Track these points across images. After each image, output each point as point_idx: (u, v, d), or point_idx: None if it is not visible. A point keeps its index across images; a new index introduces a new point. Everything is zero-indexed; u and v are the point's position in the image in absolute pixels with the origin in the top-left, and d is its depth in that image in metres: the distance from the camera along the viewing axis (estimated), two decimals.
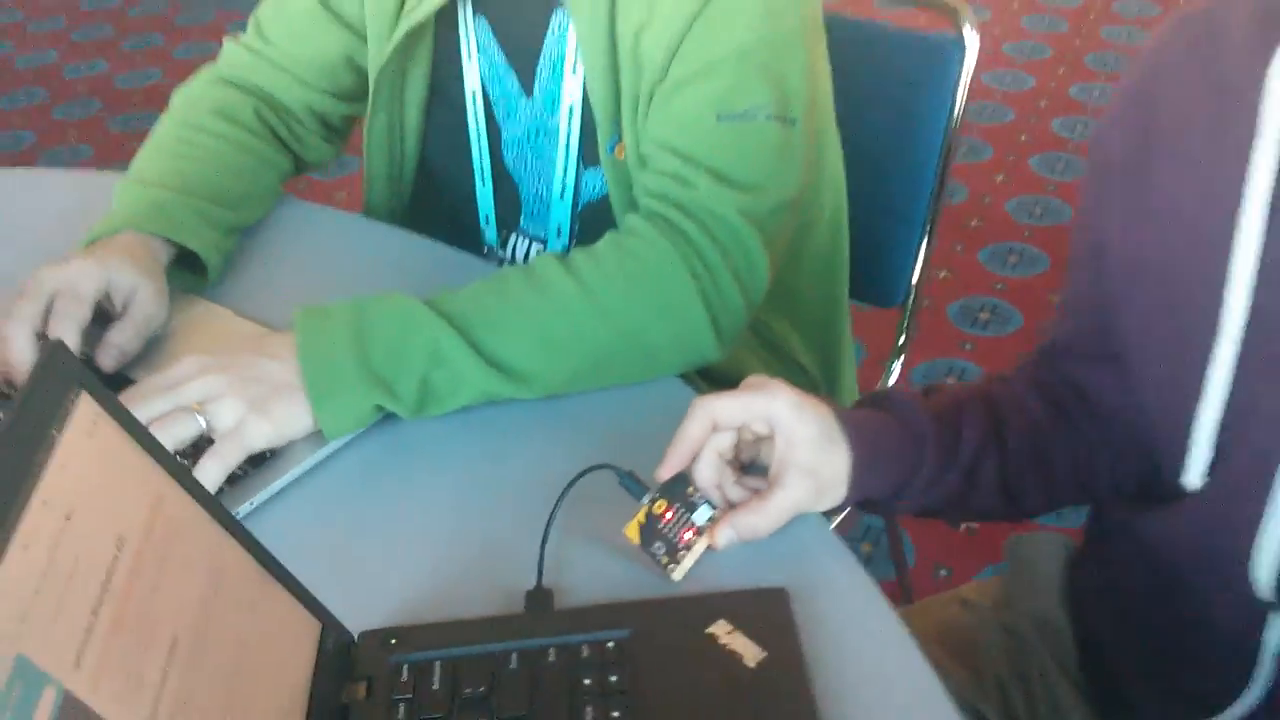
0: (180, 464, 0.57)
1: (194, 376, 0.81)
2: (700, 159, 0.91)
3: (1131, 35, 3.52)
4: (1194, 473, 0.68)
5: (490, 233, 1.18)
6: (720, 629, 0.65)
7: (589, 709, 0.61)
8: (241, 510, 0.77)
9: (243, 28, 1.17)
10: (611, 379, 0.87)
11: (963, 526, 1.86)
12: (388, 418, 0.84)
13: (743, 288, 0.90)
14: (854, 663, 0.65)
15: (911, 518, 1.81)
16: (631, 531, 0.72)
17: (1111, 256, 0.72)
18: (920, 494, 0.78)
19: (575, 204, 1.11)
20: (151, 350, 0.93)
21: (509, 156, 1.13)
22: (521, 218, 1.16)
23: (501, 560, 0.72)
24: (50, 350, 0.50)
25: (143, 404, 0.79)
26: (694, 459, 0.74)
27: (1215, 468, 0.67)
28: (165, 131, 1.09)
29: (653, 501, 0.72)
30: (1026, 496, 0.82)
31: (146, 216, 0.99)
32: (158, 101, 3.67)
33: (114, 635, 0.49)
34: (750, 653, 0.63)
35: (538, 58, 1.05)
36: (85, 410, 0.51)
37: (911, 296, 1.40)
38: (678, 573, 0.71)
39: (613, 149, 1.01)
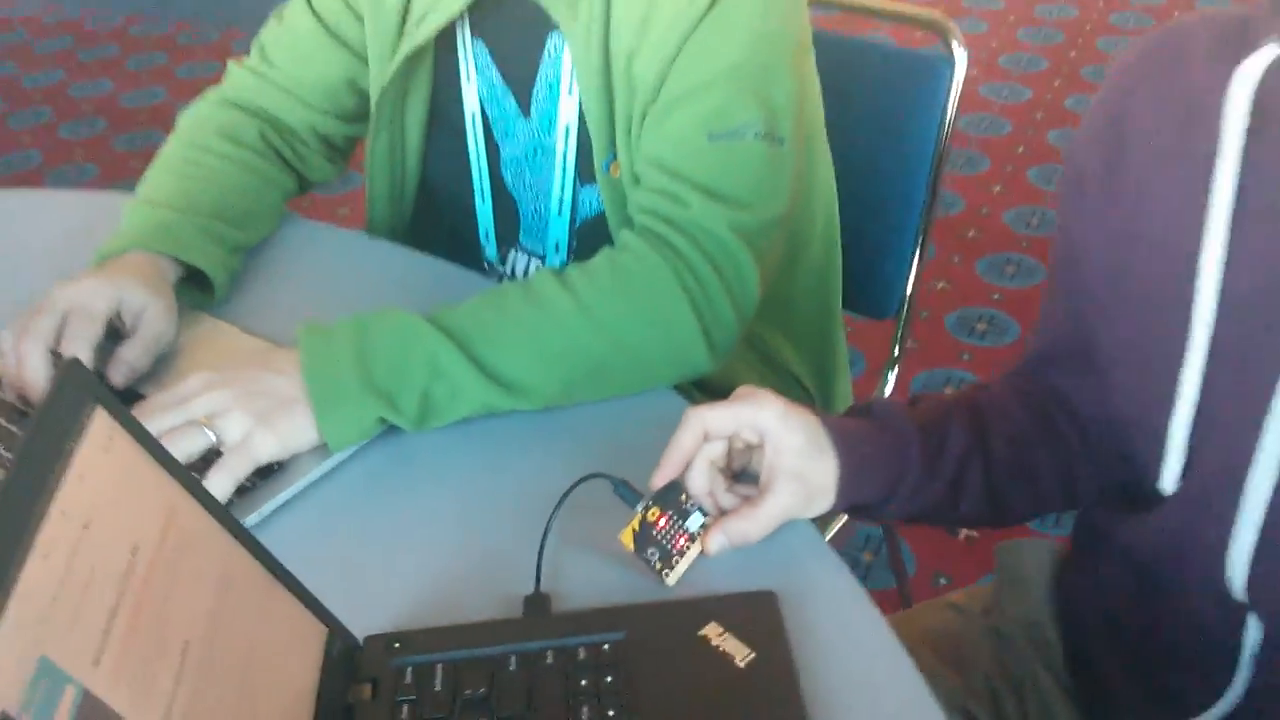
0: (191, 476, 0.59)
1: (202, 392, 0.83)
2: (692, 177, 0.94)
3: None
4: (1169, 478, 0.70)
5: (490, 249, 1.20)
6: (712, 631, 0.67)
7: (585, 709, 0.63)
8: (250, 520, 0.79)
9: (247, 47, 1.20)
10: (607, 390, 0.90)
11: (962, 535, 1.88)
12: (390, 430, 0.87)
13: (734, 301, 0.92)
14: (841, 664, 0.67)
15: (910, 527, 1.85)
16: (626, 538, 0.74)
17: (1085, 268, 0.75)
18: (907, 500, 0.80)
19: (573, 220, 1.13)
20: (161, 366, 0.95)
21: (508, 175, 1.16)
22: (520, 234, 1.19)
23: (501, 566, 0.75)
24: (67, 367, 0.53)
25: (154, 418, 0.81)
26: (687, 468, 0.76)
27: (1189, 473, 0.69)
28: (172, 153, 1.12)
29: (647, 509, 0.75)
30: (1012, 503, 0.84)
31: (155, 236, 1.02)
32: (162, 120, 3.68)
33: (130, 638, 0.51)
34: (741, 654, 0.66)
35: (534, 79, 1.08)
36: (101, 424, 0.54)
37: (905, 308, 1.42)
38: (671, 578, 0.73)
39: (608, 167, 1.04)
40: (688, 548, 0.74)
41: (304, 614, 0.65)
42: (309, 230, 1.18)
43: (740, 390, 0.78)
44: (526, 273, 1.18)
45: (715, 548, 0.74)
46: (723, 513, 0.76)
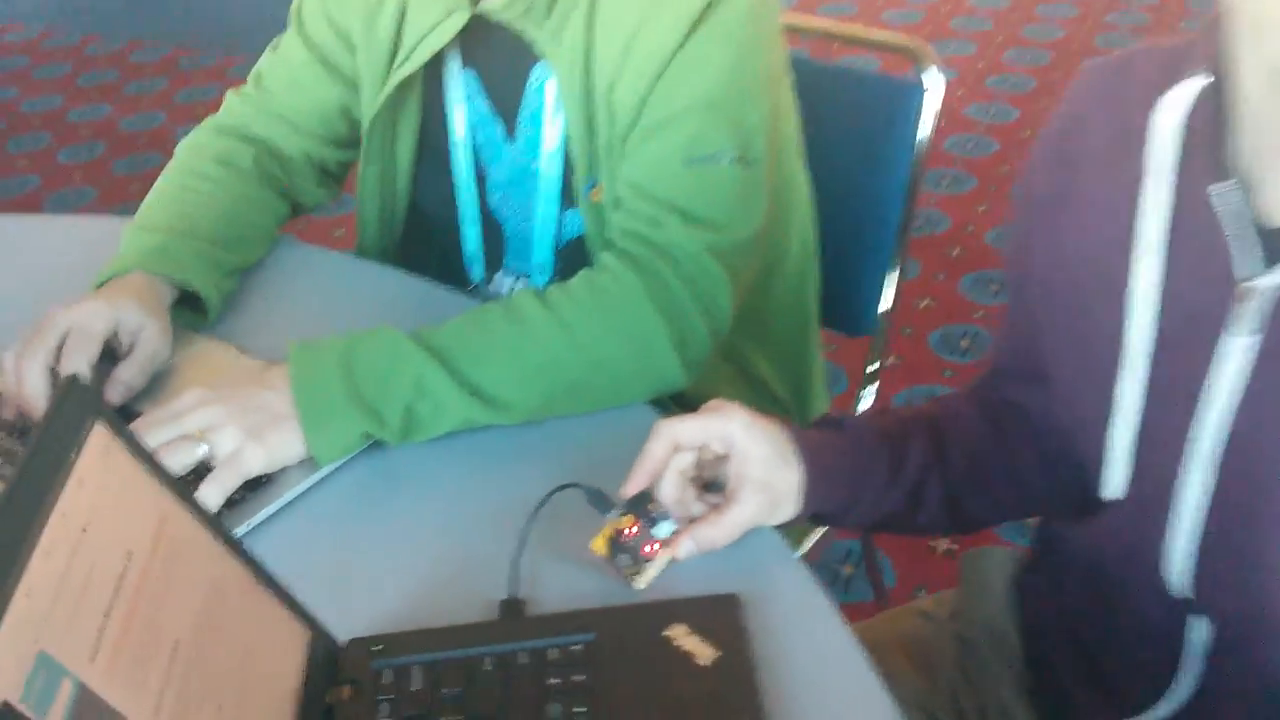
0: (183, 486, 0.63)
1: (196, 407, 0.87)
2: (669, 200, 0.98)
3: None
4: (1111, 485, 0.74)
5: (477, 270, 1.24)
6: (677, 632, 0.71)
7: (556, 705, 0.66)
8: (240, 530, 0.83)
9: (244, 72, 1.24)
10: (585, 405, 0.94)
11: (942, 548, 1.91)
12: (375, 444, 0.90)
13: (708, 319, 0.96)
14: (800, 663, 0.71)
15: (889, 540, 1.88)
16: (599, 545, 0.78)
17: (1033, 287, 0.79)
18: (869, 509, 0.84)
19: (557, 243, 1.17)
20: (156, 384, 0.99)
21: (494, 198, 1.20)
22: (506, 256, 1.23)
23: (478, 573, 0.78)
24: (68, 383, 0.57)
25: (150, 432, 0.85)
26: (657, 477, 0.80)
27: (1130, 480, 0.73)
28: (170, 179, 1.16)
29: (619, 517, 0.78)
30: (970, 511, 0.88)
31: (152, 259, 1.06)
32: (161, 144, 3.72)
33: (123, 637, 0.55)
34: (704, 653, 0.69)
35: (520, 107, 1.12)
36: (99, 437, 0.58)
37: (882, 326, 1.45)
38: (641, 582, 0.77)
39: (590, 191, 1.08)
40: (657, 554, 0.77)
41: (288, 617, 0.69)
42: (302, 252, 1.22)
43: (709, 403, 0.82)
44: (512, 293, 1.22)
45: (684, 553, 0.77)
46: (691, 520, 0.79)
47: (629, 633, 0.71)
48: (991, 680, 0.93)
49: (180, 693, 0.58)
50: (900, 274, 1.43)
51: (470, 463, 0.90)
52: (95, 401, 0.58)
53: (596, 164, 1.06)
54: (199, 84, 3.83)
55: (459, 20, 1.06)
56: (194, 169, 1.16)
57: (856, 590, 1.86)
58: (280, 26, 1.22)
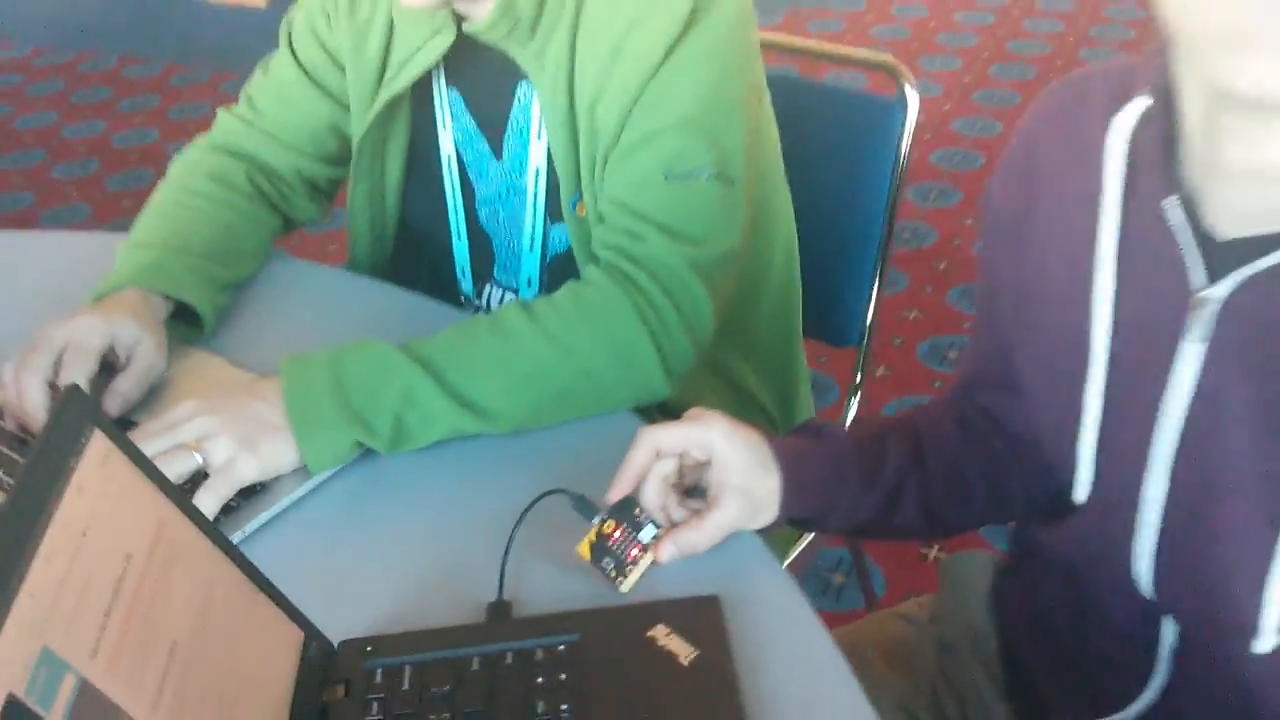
0: (179, 492, 0.65)
1: (191, 418, 0.89)
2: (650, 215, 1.01)
3: None
4: (1080, 489, 0.77)
5: (466, 283, 1.27)
6: (659, 632, 0.73)
7: (541, 704, 0.69)
8: (236, 537, 0.85)
9: (236, 88, 1.27)
10: (570, 414, 0.96)
11: (932, 555, 1.94)
12: (367, 453, 0.93)
13: (689, 330, 0.99)
14: (778, 662, 0.73)
15: (881, 548, 1.90)
16: (583, 549, 0.80)
17: (1000, 299, 0.82)
18: (847, 513, 0.86)
19: (543, 256, 1.20)
20: (152, 397, 1.01)
21: (482, 213, 1.22)
22: (495, 269, 1.25)
23: (467, 576, 0.81)
24: (68, 393, 0.59)
25: (146, 442, 0.87)
26: (641, 483, 0.82)
27: (1097, 483, 0.76)
28: (163, 196, 1.19)
29: (602, 522, 0.81)
30: (946, 516, 0.90)
31: (147, 275, 1.08)
32: (154, 160, 3.74)
33: (123, 636, 0.57)
34: (684, 652, 0.72)
35: (505, 125, 1.15)
36: (98, 445, 0.60)
37: (867, 337, 1.48)
38: (625, 585, 0.79)
39: (575, 206, 1.11)
40: (640, 557, 0.80)
41: (283, 620, 0.71)
42: (294, 267, 1.24)
43: (691, 411, 0.85)
44: (501, 305, 1.25)
45: (666, 557, 0.80)
46: (674, 525, 0.82)
47: (612, 633, 0.73)
48: (971, 681, 0.95)
49: (177, 690, 0.60)
50: (888, 286, 1.46)
51: (458, 470, 0.92)
52: (94, 411, 0.60)
53: (580, 180, 1.09)
54: (191, 100, 3.86)
55: (445, 41, 1.09)
56: (187, 186, 1.18)
57: (848, 598, 1.88)
58: (271, 43, 1.24)
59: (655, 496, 0.82)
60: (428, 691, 0.70)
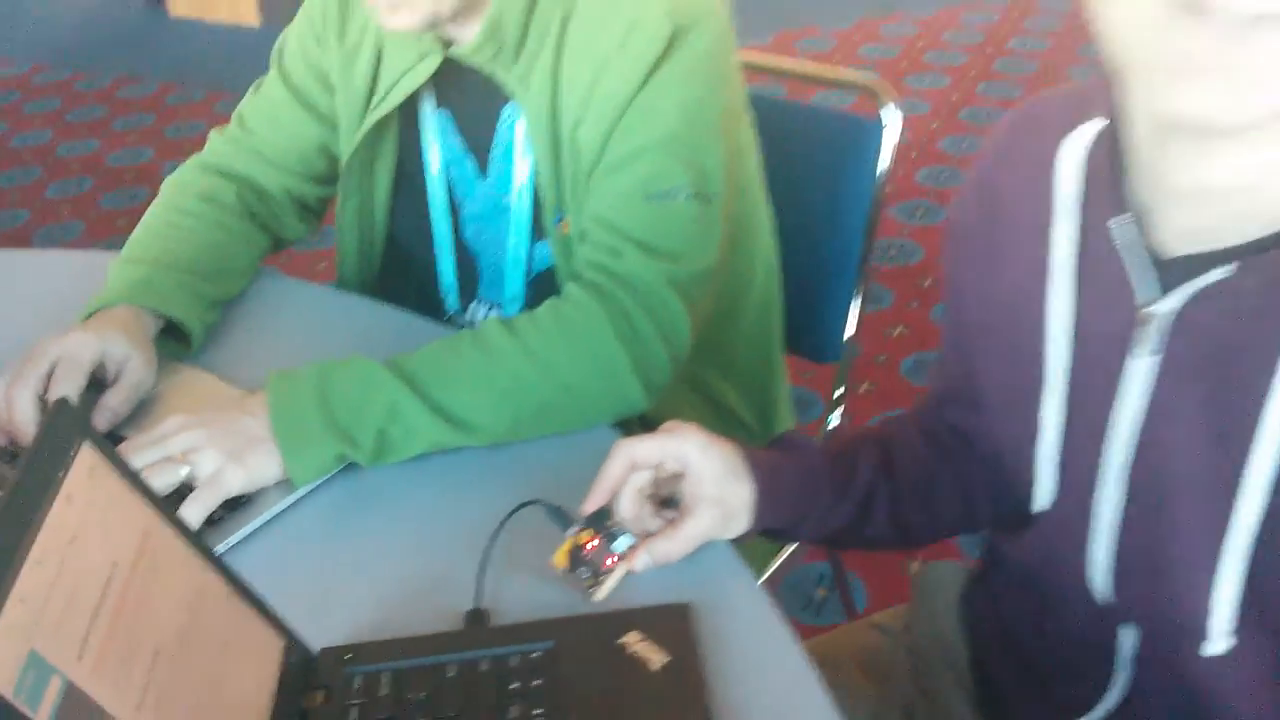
0: (164, 502, 0.67)
1: (179, 431, 0.92)
2: (630, 233, 1.03)
3: None
4: (1040, 499, 0.79)
5: (452, 300, 1.29)
6: (632, 638, 0.75)
7: (515, 708, 0.71)
8: (221, 548, 0.87)
9: (230, 108, 1.29)
10: (550, 428, 0.98)
11: (913, 569, 1.96)
12: (350, 466, 0.95)
13: (667, 344, 1.01)
14: (747, 668, 0.75)
15: (862, 561, 1.92)
16: (560, 558, 0.82)
17: (964, 315, 0.84)
18: (818, 523, 0.89)
19: (528, 274, 1.22)
20: (141, 412, 1.04)
21: (469, 231, 1.25)
22: (480, 286, 1.28)
23: (446, 586, 0.83)
24: (59, 406, 0.61)
25: (134, 454, 0.90)
26: (616, 495, 0.84)
27: (1056, 493, 0.78)
28: (154, 215, 1.21)
29: (579, 532, 0.83)
30: (915, 526, 0.93)
31: (137, 292, 1.10)
32: (149, 179, 3.76)
33: (108, 640, 0.59)
34: (656, 658, 0.74)
35: (491, 144, 1.17)
36: (87, 456, 0.62)
37: (847, 352, 1.50)
38: (600, 593, 0.81)
39: (558, 225, 1.13)
40: (615, 567, 0.82)
41: (265, 628, 0.73)
42: (283, 284, 1.26)
43: (667, 424, 0.87)
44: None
45: (640, 566, 0.82)
46: (649, 535, 0.84)
47: (586, 640, 0.75)
48: (941, 689, 0.97)
49: (161, 694, 0.62)
50: (873, 303, 1.48)
51: (438, 482, 0.94)
52: (83, 423, 0.63)
53: (564, 199, 1.11)
54: (186, 119, 3.88)
55: (432, 64, 1.11)
56: (178, 205, 1.21)
57: (829, 613, 1.90)
58: (264, 63, 1.27)
59: (631, 507, 0.84)
60: (405, 697, 0.72)
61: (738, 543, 0.87)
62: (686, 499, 0.85)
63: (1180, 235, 0.64)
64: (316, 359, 0.98)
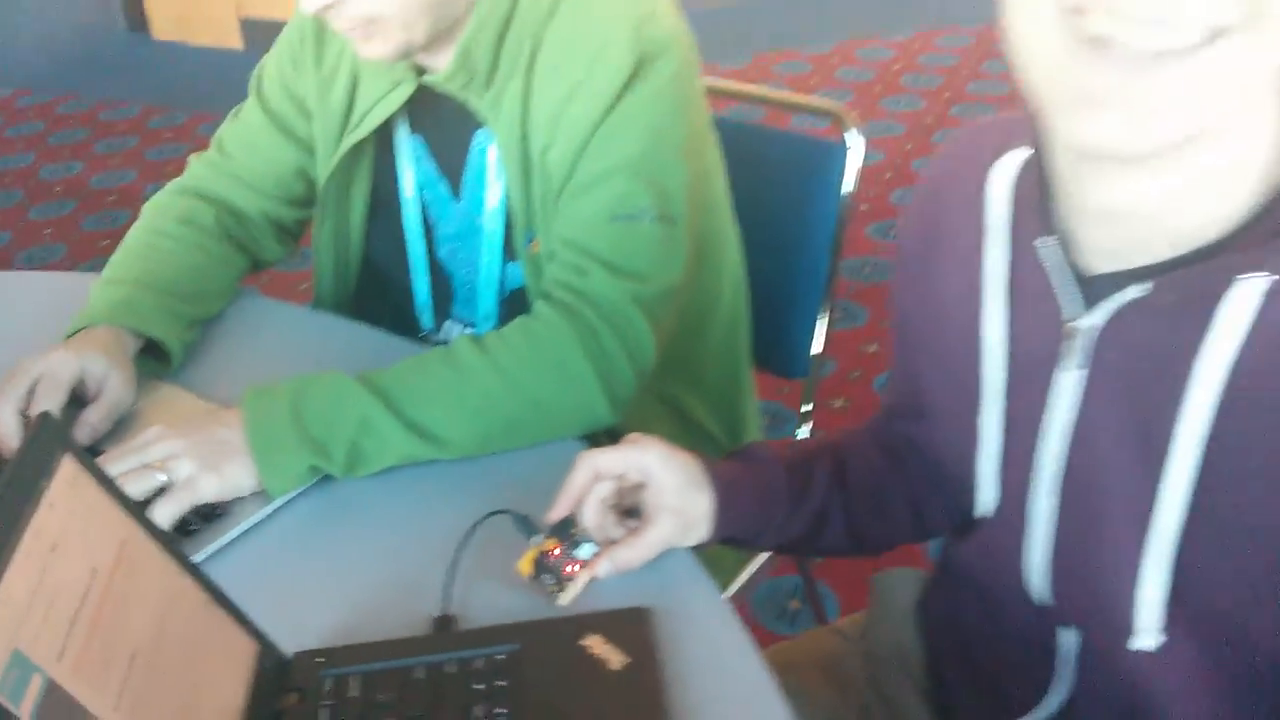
0: (142, 511, 0.70)
1: (156, 441, 0.95)
2: (597, 253, 1.07)
3: None
4: (983, 506, 0.83)
5: (427, 319, 1.33)
6: (593, 641, 0.78)
7: (479, 708, 0.74)
8: (199, 557, 0.90)
9: (212, 130, 1.33)
10: (518, 441, 1.02)
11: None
12: (323, 478, 0.98)
13: (632, 361, 1.05)
14: (704, 670, 0.78)
15: (832, 571, 1.95)
16: (525, 566, 0.86)
17: (909, 331, 0.88)
18: (776, 532, 0.92)
19: (501, 293, 1.26)
20: (121, 428, 1.07)
21: (442, 252, 1.28)
22: (455, 305, 1.31)
23: (415, 593, 0.86)
24: (41, 420, 0.64)
25: (113, 462, 0.93)
26: (580, 504, 0.88)
27: (997, 500, 0.82)
28: (135, 237, 1.24)
29: (544, 540, 0.86)
30: (870, 535, 0.96)
31: (117, 312, 1.13)
32: (130, 201, 3.78)
33: (88, 642, 0.62)
34: (616, 659, 0.77)
35: (464, 168, 1.21)
36: (68, 467, 0.65)
37: (813, 368, 1.54)
38: (563, 599, 0.84)
39: (529, 245, 1.17)
40: (579, 574, 0.85)
41: (239, 633, 0.76)
42: (260, 304, 1.30)
43: (629, 436, 0.91)
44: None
45: (603, 572, 0.85)
46: (611, 543, 0.87)
47: (549, 643, 0.79)
48: (897, 692, 1.00)
49: (138, 695, 0.65)
50: (848, 320, 1.51)
51: (409, 493, 0.97)
52: (65, 436, 0.66)
53: (534, 220, 1.15)
54: (169, 142, 3.91)
55: (405, 91, 1.15)
56: (158, 228, 1.24)
57: (803, 624, 1.93)
58: (246, 87, 1.30)
59: (594, 516, 0.88)
60: (374, 699, 0.75)
61: (699, 551, 0.91)
62: (648, 508, 0.88)
63: (1100, 255, 0.68)
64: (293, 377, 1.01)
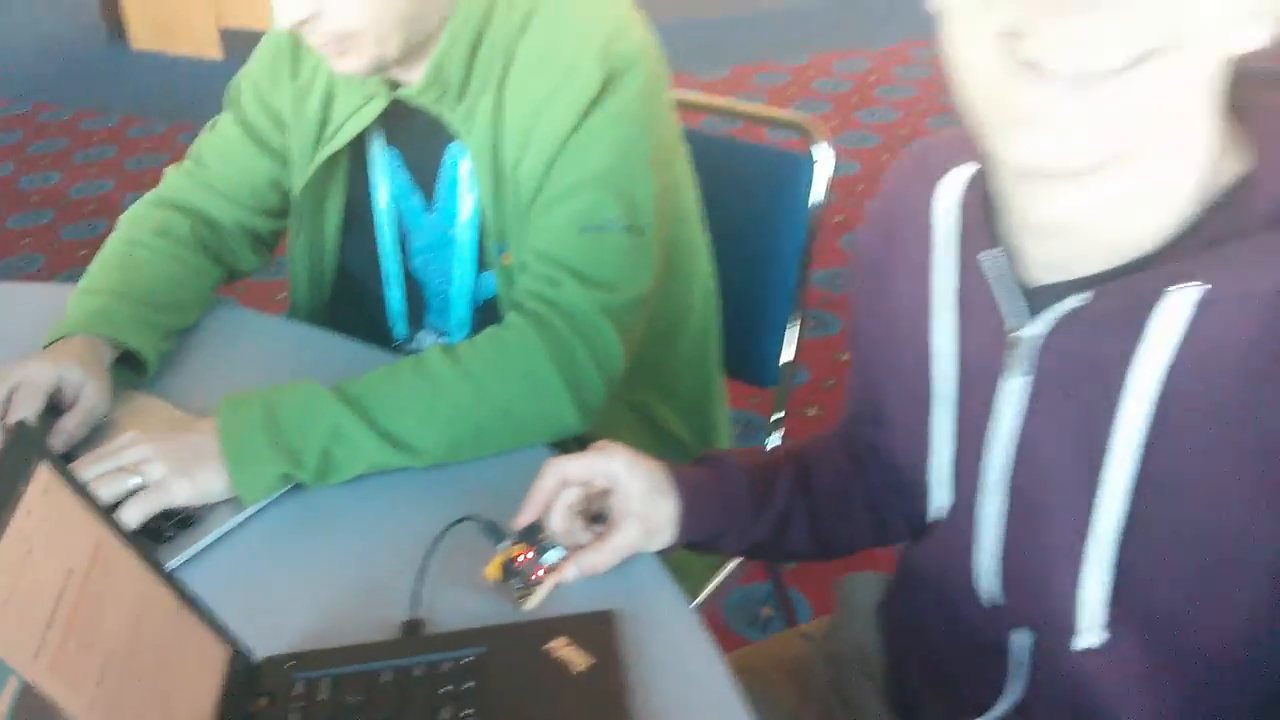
0: (115, 518, 0.72)
1: (130, 445, 0.97)
2: (567, 264, 1.09)
3: None
4: (935, 510, 0.85)
5: (401, 328, 1.34)
6: (558, 644, 0.80)
7: (446, 710, 0.76)
8: (174, 563, 0.92)
9: (191, 139, 1.34)
10: (488, 448, 1.03)
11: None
12: (296, 486, 1.00)
13: (600, 368, 1.07)
14: (667, 672, 0.80)
15: (801, 576, 1.97)
16: (492, 571, 0.87)
17: (866, 339, 0.91)
18: (740, 536, 0.95)
19: (474, 302, 1.28)
20: (96, 436, 1.08)
21: (416, 262, 1.30)
22: (428, 315, 1.33)
23: (385, 597, 0.88)
24: (18, 427, 0.66)
25: (88, 466, 0.95)
26: (548, 510, 0.90)
27: (949, 504, 0.84)
28: (111, 248, 1.26)
29: (511, 545, 0.88)
30: (833, 539, 0.99)
31: (94, 321, 1.15)
32: (109, 211, 3.79)
33: (63, 643, 0.64)
34: (580, 661, 0.79)
35: (437, 180, 1.23)
36: (43, 474, 0.67)
37: (784, 376, 1.56)
38: (530, 603, 0.86)
39: (501, 255, 1.19)
40: (545, 578, 0.87)
41: (211, 637, 0.78)
42: (236, 314, 1.31)
43: (596, 444, 0.93)
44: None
45: (569, 577, 0.87)
46: (578, 548, 0.89)
47: (515, 646, 0.81)
48: (858, 693, 1.03)
49: (112, 697, 0.66)
50: (821, 329, 1.53)
51: (379, 499, 0.99)
52: (41, 444, 0.67)
53: (506, 232, 1.17)
54: (148, 152, 3.92)
55: (378, 105, 1.17)
56: (134, 238, 1.26)
57: (775, 630, 1.95)
58: (224, 96, 1.32)
59: (561, 522, 0.90)
60: (343, 701, 0.77)
61: (665, 555, 0.93)
62: (614, 514, 0.90)
63: (1041, 266, 0.71)
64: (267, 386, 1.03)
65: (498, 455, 1.03)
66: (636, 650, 0.82)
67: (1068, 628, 0.76)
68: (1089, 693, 0.79)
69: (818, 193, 1.45)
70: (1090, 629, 0.74)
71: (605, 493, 0.92)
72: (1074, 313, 0.69)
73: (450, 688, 0.77)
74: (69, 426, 1.06)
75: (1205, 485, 0.66)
